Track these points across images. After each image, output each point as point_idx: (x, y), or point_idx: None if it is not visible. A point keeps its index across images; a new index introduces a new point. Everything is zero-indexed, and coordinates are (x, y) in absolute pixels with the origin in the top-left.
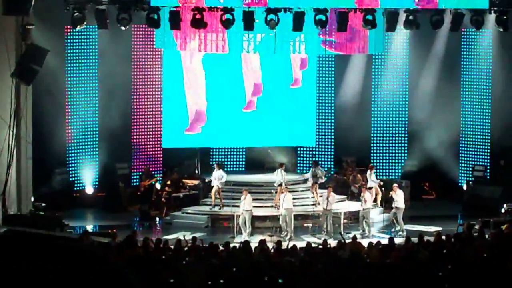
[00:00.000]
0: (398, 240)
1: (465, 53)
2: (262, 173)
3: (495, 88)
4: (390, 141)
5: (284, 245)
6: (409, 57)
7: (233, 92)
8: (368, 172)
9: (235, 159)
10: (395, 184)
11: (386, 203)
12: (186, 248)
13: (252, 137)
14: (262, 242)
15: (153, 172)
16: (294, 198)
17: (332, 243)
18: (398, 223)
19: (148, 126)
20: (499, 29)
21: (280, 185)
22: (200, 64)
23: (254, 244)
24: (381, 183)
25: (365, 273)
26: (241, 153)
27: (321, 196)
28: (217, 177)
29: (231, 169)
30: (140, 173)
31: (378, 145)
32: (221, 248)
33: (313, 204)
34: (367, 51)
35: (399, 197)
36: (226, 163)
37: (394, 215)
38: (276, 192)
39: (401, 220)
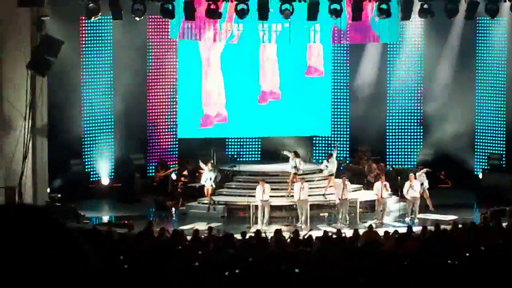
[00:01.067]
0: (415, 229)
1: (479, 41)
2: (277, 163)
3: (510, 77)
4: (405, 130)
5: (300, 234)
6: (424, 46)
7: (249, 83)
8: (419, 173)
9: (250, 149)
10: (411, 174)
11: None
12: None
13: (267, 127)
14: (278, 232)
15: (168, 163)
16: (310, 188)
17: (348, 232)
18: (414, 213)
19: (164, 117)
20: None
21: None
22: (218, 59)
23: (270, 234)
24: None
25: (380, 262)
26: (256, 143)
27: (331, 186)
28: (213, 177)
29: (247, 159)
30: (156, 164)
31: (393, 134)
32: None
33: (329, 194)
34: (379, 41)
35: (416, 187)
36: (241, 153)
37: (412, 205)
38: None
39: (417, 209)
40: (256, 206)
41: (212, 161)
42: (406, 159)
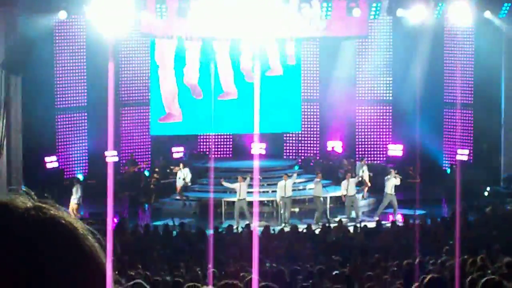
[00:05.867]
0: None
1: (447, 33)
2: (249, 159)
3: (477, 71)
4: (375, 126)
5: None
6: (393, 41)
7: (218, 79)
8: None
9: (222, 146)
10: (392, 170)
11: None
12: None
13: (238, 124)
14: (248, 227)
15: (136, 160)
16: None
17: (318, 227)
18: (394, 208)
19: (136, 114)
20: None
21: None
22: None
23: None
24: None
25: (351, 256)
26: (228, 139)
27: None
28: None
29: (219, 156)
30: (126, 161)
31: (363, 130)
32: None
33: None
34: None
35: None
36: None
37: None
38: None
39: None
40: (228, 202)
41: (183, 161)
42: (376, 155)
